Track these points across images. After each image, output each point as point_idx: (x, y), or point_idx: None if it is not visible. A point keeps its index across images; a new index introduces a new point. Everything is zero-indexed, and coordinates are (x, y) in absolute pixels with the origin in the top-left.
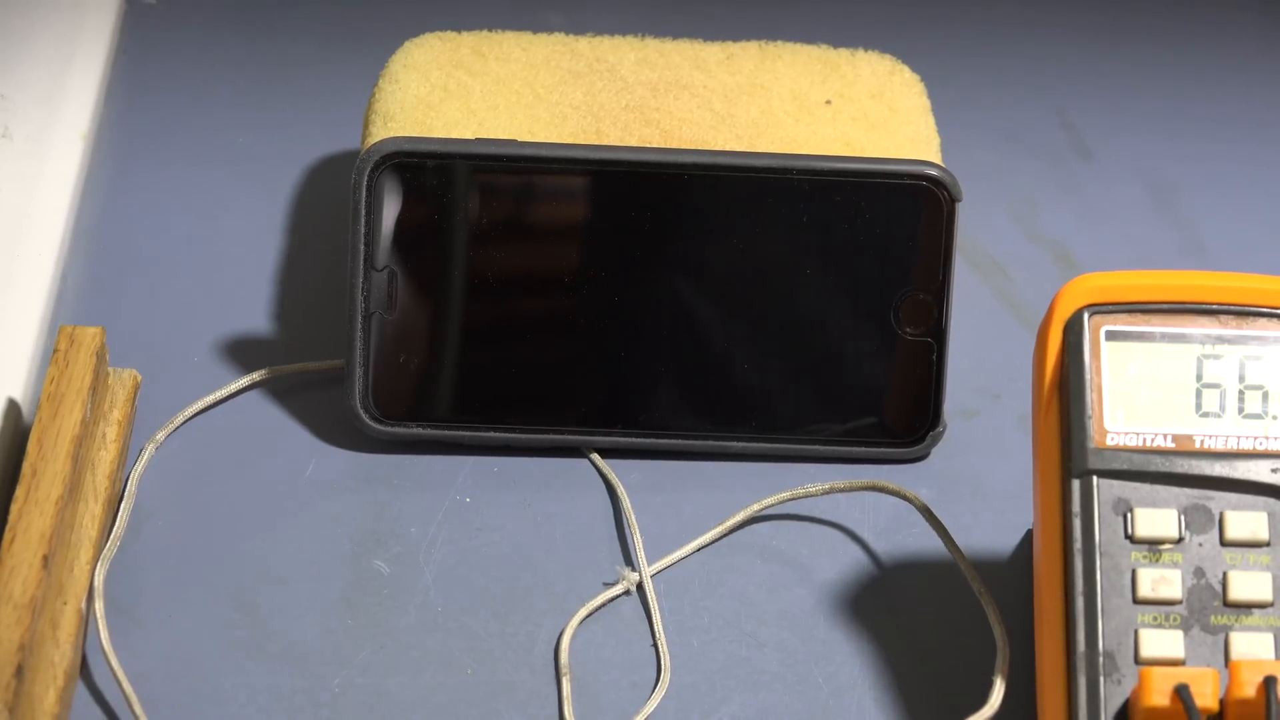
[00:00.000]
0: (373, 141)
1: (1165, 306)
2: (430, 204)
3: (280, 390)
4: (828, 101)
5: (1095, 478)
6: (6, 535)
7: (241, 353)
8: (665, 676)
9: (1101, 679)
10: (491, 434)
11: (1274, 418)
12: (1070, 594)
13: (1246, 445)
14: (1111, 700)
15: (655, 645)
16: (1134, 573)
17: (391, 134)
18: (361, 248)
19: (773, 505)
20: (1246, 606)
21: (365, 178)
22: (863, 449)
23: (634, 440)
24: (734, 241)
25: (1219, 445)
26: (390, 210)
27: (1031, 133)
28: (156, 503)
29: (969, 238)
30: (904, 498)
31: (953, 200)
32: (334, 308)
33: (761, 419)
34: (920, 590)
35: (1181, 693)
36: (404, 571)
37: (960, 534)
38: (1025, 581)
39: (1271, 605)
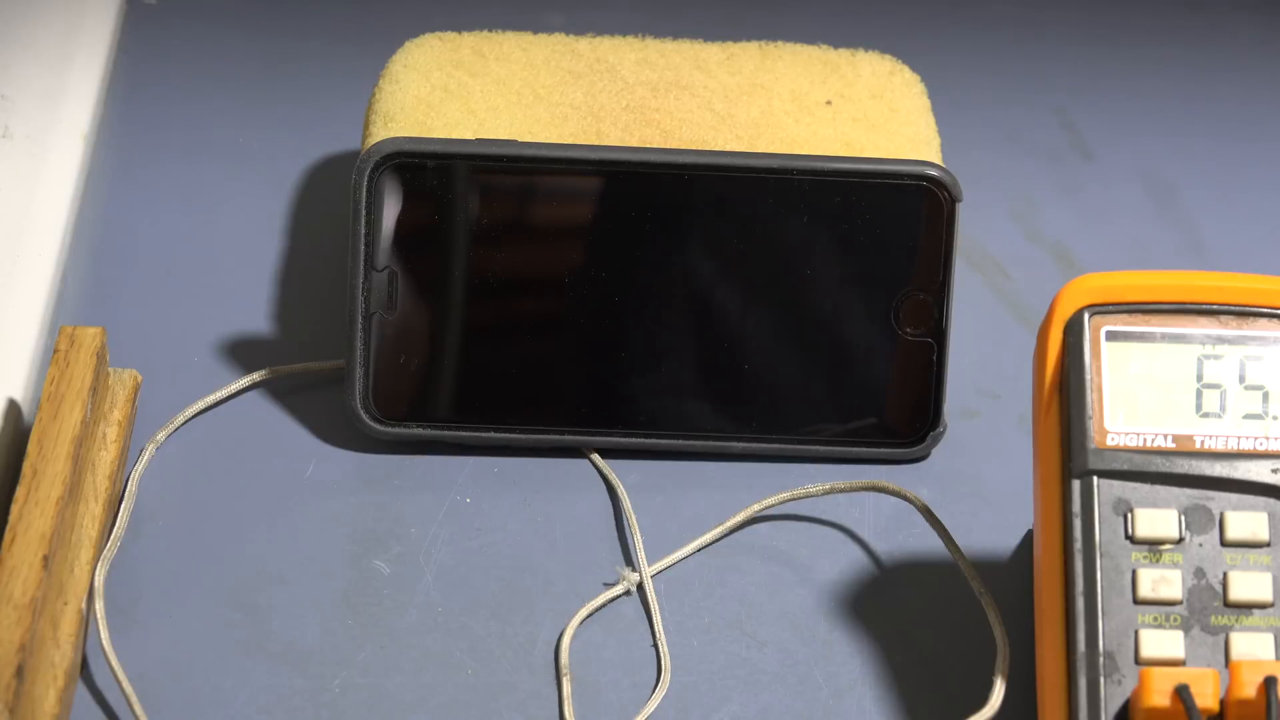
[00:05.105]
0: (373, 141)
1: (1165, 306)
2: (430, 204)
3: (280, 390)
4: (828, 102)
5: (1095, 478)
6: (7, 536)
7: (241, 353)
8: (665, 677)
9: (1102, 679)
10: (491, 434)
11: (1274, 418)
12: (1070, 594)
13: (1247, 445)
14: (1112, 700)
15: (655, 645)
16: (1134, 573)
17: (392, 134)
18: (361, 248)
19: (773, 505)
20: (1247, 607)
21: (365, 178)
22: (863, 449)
23: (634, 440)
24: (734, 242)
25: (1219, 445)
26: (390, 210)
27: (1031, 133)
28: (156, 503)
29: (969, 238)
30: (904, 498)
31: (953, 200)
32: (334, 308)
33: (761, 419)
34: (920, 590)
35: (1182, 693)
36: (404, 572)
37: (960, 534)
38: (1025, 581)
39: (1272, 605)
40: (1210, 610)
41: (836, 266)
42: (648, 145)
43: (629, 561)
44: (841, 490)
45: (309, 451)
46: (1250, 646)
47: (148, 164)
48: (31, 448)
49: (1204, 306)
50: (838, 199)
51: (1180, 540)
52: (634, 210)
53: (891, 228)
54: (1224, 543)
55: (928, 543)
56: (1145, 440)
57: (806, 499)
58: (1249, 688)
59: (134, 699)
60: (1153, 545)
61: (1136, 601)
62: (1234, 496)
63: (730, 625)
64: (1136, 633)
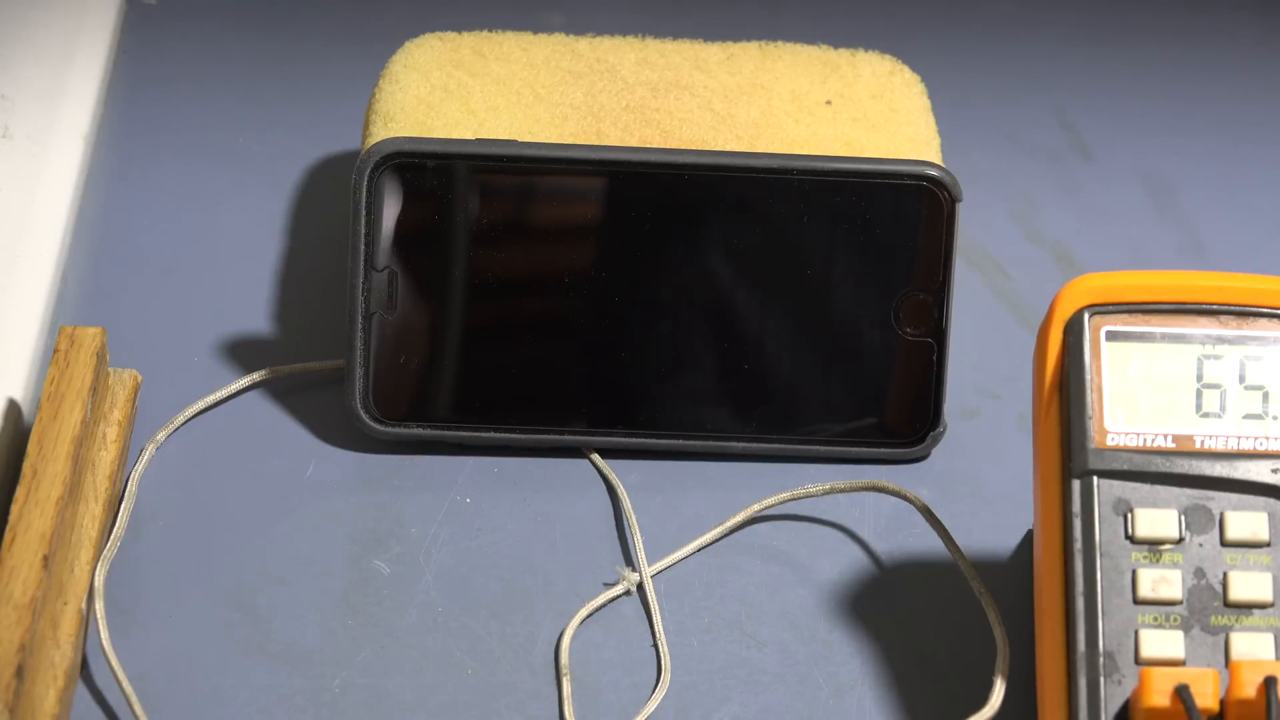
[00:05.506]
0: (373, 142)
1: (1165, 306)
2: (430, 204)
3: (280, 390)
4: (828, 102)
5: (1095, 478)
6: (7, 536)
7: (241, 353)
8: (665, 677)
9: (1102, 679)
10: (491, 434)
11: (1274, 418)
12: (1070, 594)
13: (1247, 445)
14: (1112, 700)
15: (655, 645)
16: (1134, 573)
17: (392, 134)
18: (361, 248)
19: (773, 505)
20: (1247, 607)
21: (365, 178)
22: (863, 449)
23: (634, 440)
24: (734, 242)
25: (1219, 445)
26: (390, 210)
27: (1031, 133)
28: (156, 503)
29: (969, 238)
30: (904, 498)
31: (953, 200)
32: (334, 308)
33: (761, 419)
34: (920, 590)
35: (1182, 693)
36: (404, 572)
37: (960, 534)
38: (1025, 581)
39: (1272, 605)
40: (1210, 610)
41: (837, 266)
42: (648, 145)
43: (629, 561)
44: (841, 490)
45: (309, 451)
46: (1250, 646)
47: (148, 164)
48: (31, 448)
49: (1204, 306)
50: (838, 199)
51: (1180, 540)
52: (634, 210)
53: (891, 228)
54: (1224, 543)
55: (928, 543)
56: (1145, 440)
57: (806, 499)
58: (1249, 688)
59: (134, 699)
60: (1153, 545)
61: (1136, 601)
62: (1234, 496)
63: (730, 625)
64: (1136, 633)
